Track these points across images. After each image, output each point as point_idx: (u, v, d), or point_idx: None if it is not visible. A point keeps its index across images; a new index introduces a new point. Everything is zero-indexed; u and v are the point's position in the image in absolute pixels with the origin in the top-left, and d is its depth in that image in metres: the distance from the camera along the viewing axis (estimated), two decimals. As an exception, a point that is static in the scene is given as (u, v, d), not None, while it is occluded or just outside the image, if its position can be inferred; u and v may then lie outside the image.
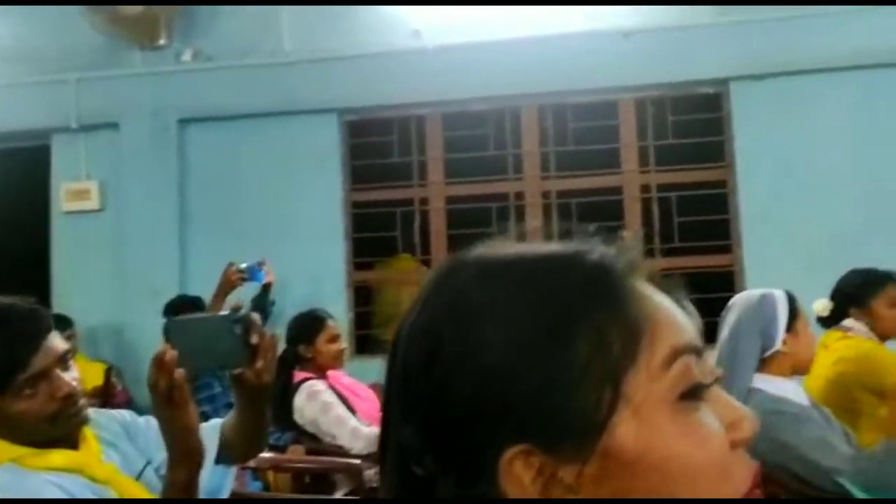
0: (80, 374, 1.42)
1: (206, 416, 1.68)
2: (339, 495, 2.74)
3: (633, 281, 0.51)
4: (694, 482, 0.47)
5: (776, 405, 1.90)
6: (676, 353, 0.49)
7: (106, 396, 3.73)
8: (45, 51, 4.52)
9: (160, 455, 1.39)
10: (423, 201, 4.41)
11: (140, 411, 1.59)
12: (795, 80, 4.00)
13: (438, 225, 4.38)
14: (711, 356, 1.94)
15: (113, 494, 1.35)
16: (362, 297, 4.50)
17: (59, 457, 1.33)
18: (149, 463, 1.43)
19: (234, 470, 1.54)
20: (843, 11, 3.92)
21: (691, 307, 0.53)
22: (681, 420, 0.48)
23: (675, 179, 4.23)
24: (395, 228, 4.38)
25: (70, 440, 1.37)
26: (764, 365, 1.97)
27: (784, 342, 1.96)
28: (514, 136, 4.35)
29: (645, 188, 4.24)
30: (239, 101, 4.38)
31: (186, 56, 4.48)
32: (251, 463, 2.34)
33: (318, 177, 4.37)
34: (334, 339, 3.09)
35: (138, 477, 1.40)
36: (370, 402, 3.02)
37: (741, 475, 0.49)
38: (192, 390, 1.34)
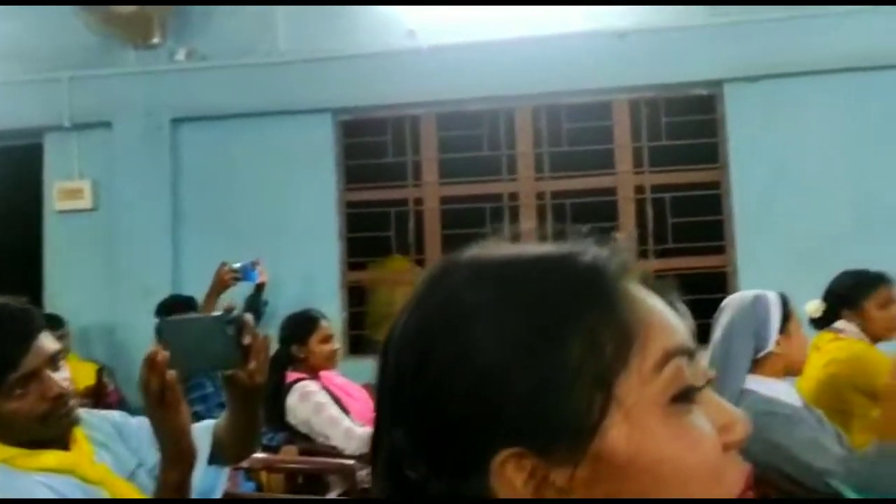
0: (72, 374, 1.41)
1: (198, 416, 1.67)
2: (332, 496, 2.73)
3: (626, 283, 0.51)
4: (686, 485, 0.47)
5: (768, 406, 1.90)
6: (668, 356, 0.49)
7: (98, 396, 3.72)
8: (39, 49, 4.50)
9: (153, 456, 1.38)
10: (418, 201, 4.40)
11: (132, 411, 1.58)
12: (789, 83, 4.01)
13: (432, 225, 4.38)
14: (704, 357, 1.94)
15: (105, 495, 1.34)
16: (356, 297, 4.49)
17: (50, 457, 1.33)
18: (141, 464, 1.43)
19: (226, 471, 1.54)
20: (837, 13, 3.93)
21: (684, 308, 0.53)
22: (673, 423, 0.48)
23: (668, 180, 4.24)
24: (390, 228, 4.38)
25: (61, 441, 1.36)
26: (756, 366, 1.97)
27: (777, 343, 1.97)
28: (509, 136, 4.35)
29: (639, 189, 4.25)
30: (233, 101, 4.37)
31: (180, 55, 4.47)
32: (244, 463, 2.33)
33: (312, 176, 4.36)
34: (327, 339, 3.08)
35: (130, 477, 1.40)
36: (363, 403, 3.02)
37: (733, 478, 0.49)
38: (184, 390, 1.34)
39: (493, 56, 4.13)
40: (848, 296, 2.64)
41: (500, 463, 0.47)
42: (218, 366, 1.40)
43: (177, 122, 4.45)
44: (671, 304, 0.52)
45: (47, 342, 1.35)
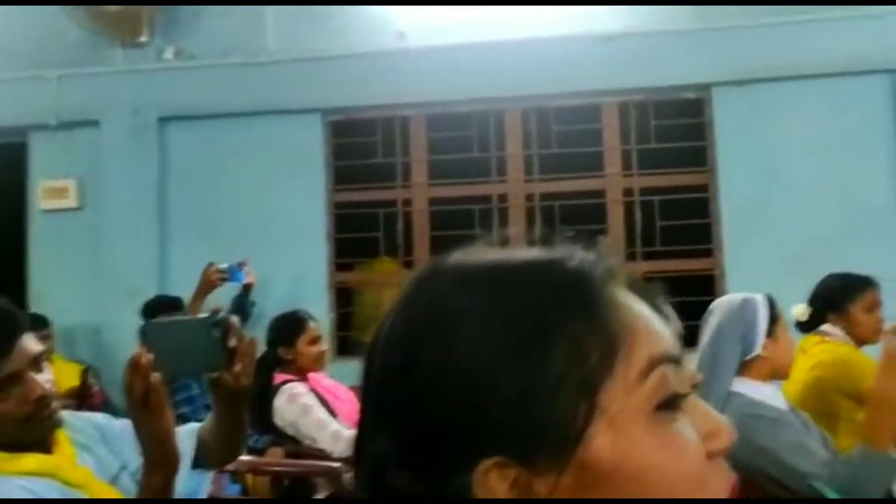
0: (57, 375, 1.39)
1: (185, 418, 1.66)
2: (318, 499, 2.72)
3: (612, 289, 0.50)
4: (670, 493, 0.47)
5: (754, 409, 1.91)
6: (653, 364, 0.48)
7: (82, 397, 3.69)
8: (25, 47, 4.46)
9: (136, 459, 1.37)
10: (407, 202, 4.40)
11: (117, 413, 1.57)
12: (777, 87, 4.04)
13: (421, 226, 4.37)
14: (692, 360, 1.95)
15: (86, 498, 1.32)
16: (344, 298, 4.48)
17: (31, 461, 1.31)
18: (124, 467, 1.41)
19: (210, 475, 1.52)
20: (825, 19, 3.96)
21: (671, 311, 0.53)
22: (657, 431, 0.47)
23: (657, 183, 4.25)
24: (378, 229, 4.37)
25: (43, 443, 1.34)
26: (744, 369, 1.98)
27: (764, 347, 1.98)
28: (498, 138, 4.35)
29: (627, 192, 4.26)
30: (221, 100, 4.35)
31: (168, 54, 4.44)
32: (229, 466, 2.31)
33: (300, 177, 4.35)
34: (315, 340, 3.07)
35: (113, 481, 1.38)
36: (351, 405, 3.01)
37: (718, 486, 0.49)
38: (169, 393, 1.33)
39: (483, 58, 4.13)
40: (834, 299, 2.66)
41: (483, 472, 0.46)
42: (203, 369, 1.39)
43: (164, 121, 4.43)
44: (658, 307, 0.52)
45: (30, 344, 1.34)
